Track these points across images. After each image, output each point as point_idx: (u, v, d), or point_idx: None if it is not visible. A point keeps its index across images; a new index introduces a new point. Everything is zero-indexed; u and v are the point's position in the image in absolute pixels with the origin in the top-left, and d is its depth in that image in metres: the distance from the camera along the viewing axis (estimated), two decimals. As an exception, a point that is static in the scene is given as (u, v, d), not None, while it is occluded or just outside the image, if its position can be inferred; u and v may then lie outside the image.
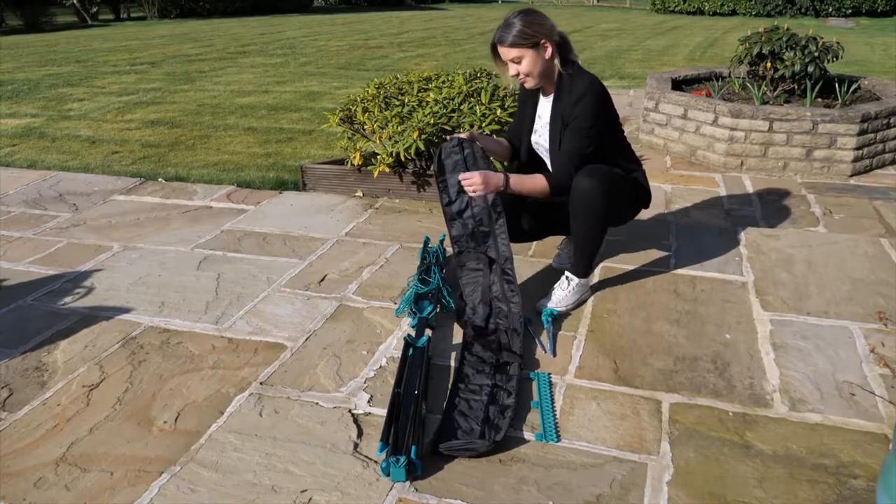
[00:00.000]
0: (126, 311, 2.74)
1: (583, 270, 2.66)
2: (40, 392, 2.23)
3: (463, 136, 2.57)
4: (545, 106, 2.62)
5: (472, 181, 2.44)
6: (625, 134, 2.74)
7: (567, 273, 2.69)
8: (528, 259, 3.13)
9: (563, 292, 2.66)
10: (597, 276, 2.95)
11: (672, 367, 2.29)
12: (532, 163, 2.77)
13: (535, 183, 2.50)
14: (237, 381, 2.26)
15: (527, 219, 2.77)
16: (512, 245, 3.15)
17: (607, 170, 2.52)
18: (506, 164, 2.94)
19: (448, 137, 2.65)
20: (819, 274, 2.95)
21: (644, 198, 2.76)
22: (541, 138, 2.66)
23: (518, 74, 2.48)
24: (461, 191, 2.54)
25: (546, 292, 2.74)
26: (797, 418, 2.04)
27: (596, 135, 2.47)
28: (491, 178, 2.45)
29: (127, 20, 20.73)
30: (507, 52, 2.44)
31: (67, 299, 2.84)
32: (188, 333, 2.56)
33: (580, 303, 2.70)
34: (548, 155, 2.66)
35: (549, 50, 2.43)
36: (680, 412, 2.07)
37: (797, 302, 2.71)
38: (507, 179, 2.46)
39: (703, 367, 2.30)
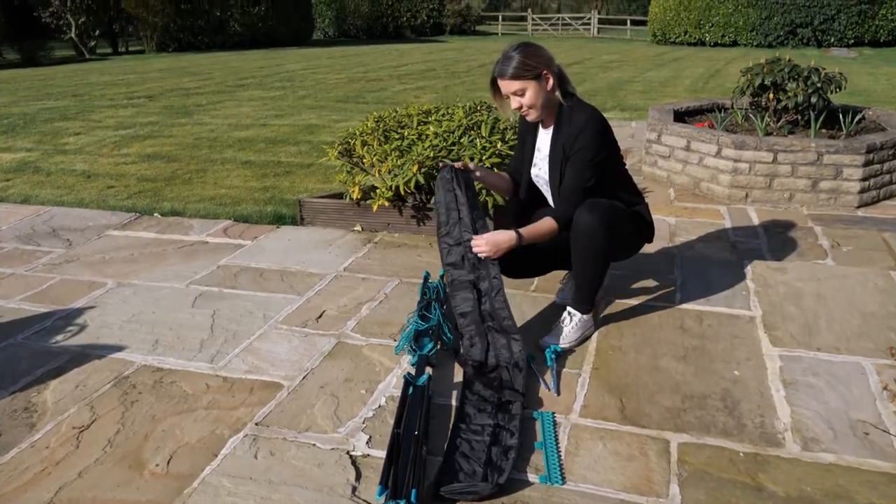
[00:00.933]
0: (119, 349, 2.72)
1: (585, 306, 2.65)
2: (29, 434, 2.21)
3: (457, 165, 2.59)
4: (544, 139, 2.64)
5: (481, 249, 2.47)
6: (626, 166, 2.76)
7: (570, 309, 2.68)
8: (531, 294, 3.12)
9: (566, 329, 2.65)
10: (601, 311, 2.94)
11: (680, 406, 2.27)
12: (532, 196, 2.78)
13: (544, 227, 2.50)
14: (232, 421, 2.24)
15: (529, 254, 2.77)
16: (513, 281, 3.15)
17: (608, 203, 2.53)
18: (507, 197, 2.95)
19: (440, 164, 2.67)
20: (829, 308, 2.94)
21: (647, 232, 2.76)
22: (541, 171, 2.67)
23: (520, 107, 2.50)
24: (452, 220, 2.56)
25: (549, 328, 2.73)
26: (810, 458, 2.01)
27: (598, 167, 2.49)
28: (501, 240, 2.46)
29: (125, 54, 21.03)
30: (508, 86, 2.46)
31: (59, 337, 2.83)
32: (182, 372, 2.54)
33: (584, 339, 2.69)
34: (548, 188, 2.67)
35: (551, 81, 2.47)
36: (689, 452, 2.04)
37: (807, 337, 2.70)
38: (518, 236, 2.47)
39: (712, 405, 2.27)
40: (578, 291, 2.65)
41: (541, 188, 2.76)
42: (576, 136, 2.47)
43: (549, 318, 2.86)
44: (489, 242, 2.46)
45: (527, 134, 2.74)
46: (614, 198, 2.61)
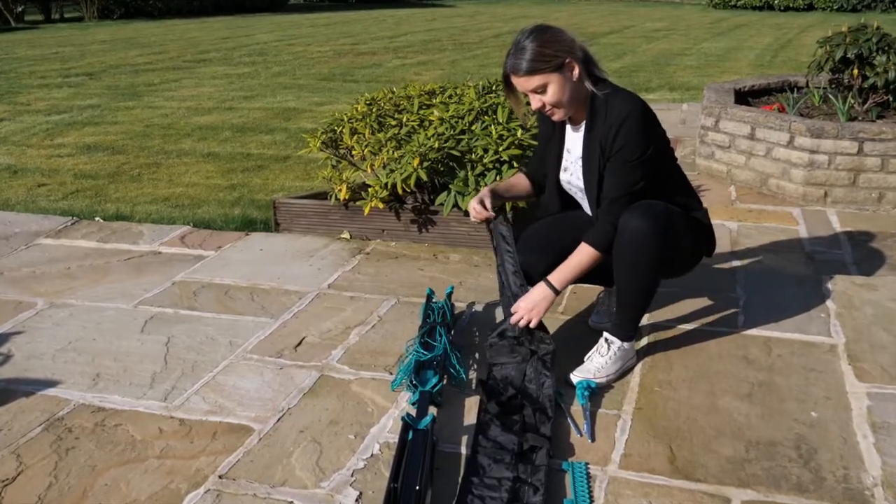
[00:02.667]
0: (51, 384, 2.73)
1: (627, 332, 2.66)
2: (-59, 489, 2.22)
3: (482, 212, 2.70)
4: (574, 138, 2.65)
5: (519, 315, 2.55)
6: (678, 162, 2.76)
7: (606, 335, 2.68)
8: (558, 316, 3.13)
9: (602, 359, 2.65)
10: (644, 337, 2.94)
11: (744, 455, 2.27)
12: (564, 204, 2.79)
13: (581, 261, 2.54)
14: (190, 473, 2.24)
15: (557, 259, 2.77)
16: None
17: (664, 207, 2.53)
18: (533, 200, 2.97)
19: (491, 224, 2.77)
20: (928, 334, 2.93)
21: (707, 244, 2.77)
22: (572, 177, 2.68)
23: (543, 107, 2.49)
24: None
25: (580, 359, 2.74)
26: (906, 521, 2.01)
27: (645, 167, 2.49)
28: (536, 299, 2.54)
29: (59, 22, 21.20)
30: (526, 83, 2.45)
31: (-22, 370, 2.84)
32: (129, 413, 2.55)
33: (624, 372, 2.69)
34: (583, 195, 2.67)
35: (577, 69, 2.45)
36: (755, 513, 2.04)
37: (901, 370, 2.70)
38: (551, 286, 2.53)
39: (784, 454, 2.27)
40: (620, 314, 2.65)
41: (574, 196, 2.77)
42: (616, 131, 2.46)
43: (580, 346, 2.86)
44: (526, 308, 2.54)
45: (551, 135, 2.74)
46: (667, 202, 2.62)
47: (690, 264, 2.79)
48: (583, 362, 2.69)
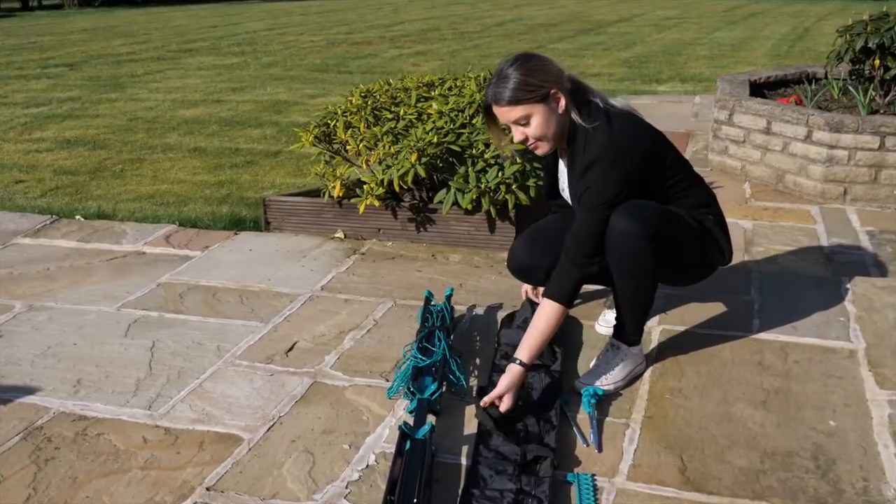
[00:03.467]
0: (30, 391, 2.74)
1: (631, 336, 2.66)
2: (-86, 501, 2.23)
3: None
4: (562, 169, 2.68)
5: (489, 398, 2.43)
6: (689, 170, 2.69)
7: (613, 340, 2.69)
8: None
9: (608, 366, 2.66)
10: (654, 341, 2.95)
11: (759, 466, 2.27)
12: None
13: (547, 321, 2.45)
14: (176, 485, 2.25)
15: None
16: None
17: (656, 208, 2.52)
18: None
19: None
20: (953, 339, 2.94)
21: (717, 252, 2.73)
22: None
23: (526, 139, 2.48)
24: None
25: (585, 366, 2.74)
26: (929, 535, 2.02)
27: (610, 209, 2.45)
28: (505, 384, 2.41)
29: (38, 9, 21.22)
30: (507, 113, 2.43)
31: (-47, 376, 2.85)
32: (111, 422, 2.56)
33: (633, 379, 2.69)
34: None
35: (563, 101, 2.44)
36: (770, 527, 2.05)
37: (924, 377, 2.70)
38: (518, 361, 2.43)
39: (801, 464, 2.28)
40: (620, 318, 2.65)
41: None
42: (582, 171, 2.45)
43: (585, 352, 2.87)
44: (497, 394, 2.41)
45: (550, 161, 2.77)
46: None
47: (695, 273, 2.78)
48: (589, 370, 2.69)
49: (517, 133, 2.47)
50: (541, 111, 2.42)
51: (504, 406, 2.41)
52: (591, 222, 2.46)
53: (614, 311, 2.95)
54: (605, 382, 2.63)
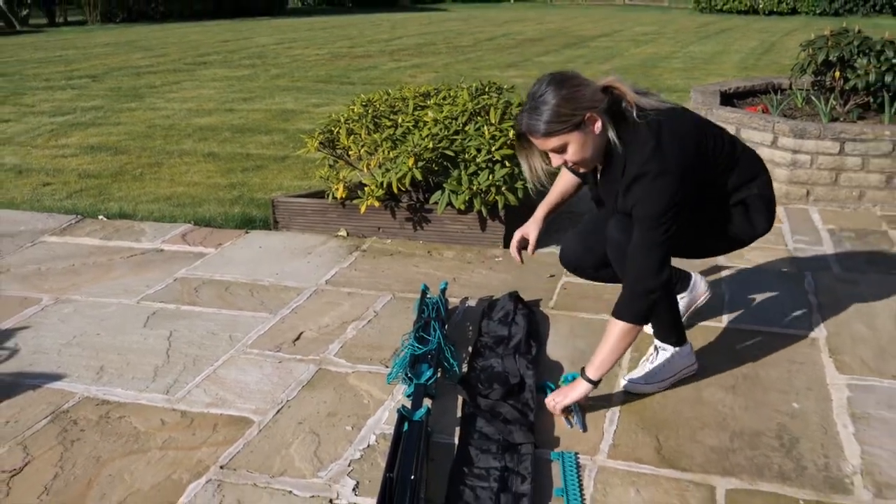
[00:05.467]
0: (57, 378, 2.74)
1: (671, 338, 2.56)
2: (-50, 479, 2.22)
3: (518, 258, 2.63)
4: (598, 177, 2.50)
5: (552, 402, 2.40)
6: (731, 149, 2.47)
7: (656, 342, 2.58)
8: (549, 310, 3.14)
9: (651, 366, 2.56)
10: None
11: (728, 445, 2.28)
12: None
13: (614, 339, 2.30)
14: (192, 464, 2.25)
15: (594, 245, 2.61)
16: (528, 296, 3.17)
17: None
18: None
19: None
20: (906, 328, 2.95)
21: (746, 229, 2.55)
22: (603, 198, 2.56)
23: (565, 164, 2.32)
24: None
25: (570, 359, 2.74)
26: (884, 508, 2.02)
27: (673, 218, 2.24)
28: (570, 391, 2.37)
29: (63, 25, 21.13)
30: (543, 143, 2.26)
31: (-15, 364, 2.84)
32: (132, 406, 2.56)
33: (680, 379, 2.59)
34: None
35: (598, 123, 2.23)
36: (739, 500, 2.05)
37: (880, 363, 2.71)
38: (586, 377, 2.34)
39: (767, 443, 2.28)
40: (655, 321, 2.56)
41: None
42: (628, 186, 2.26)
43: (572, 344, 2.87)
44: (559, 398, 2.38)
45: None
46: (723, 198, 2.46)
47: (721, 247, 2.65)
48: (637, 368, 2.63)
49: (554, 159, 2.30)
50: (576, 139, 2.22)
51: (557, 410, 2.39)
52: (649, 242, 2.26)
53: None
54: (650, 381, 2.55)
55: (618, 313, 2.30)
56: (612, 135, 2.25)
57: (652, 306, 2.30)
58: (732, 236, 2.57)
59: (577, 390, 2.35)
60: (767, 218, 2.54)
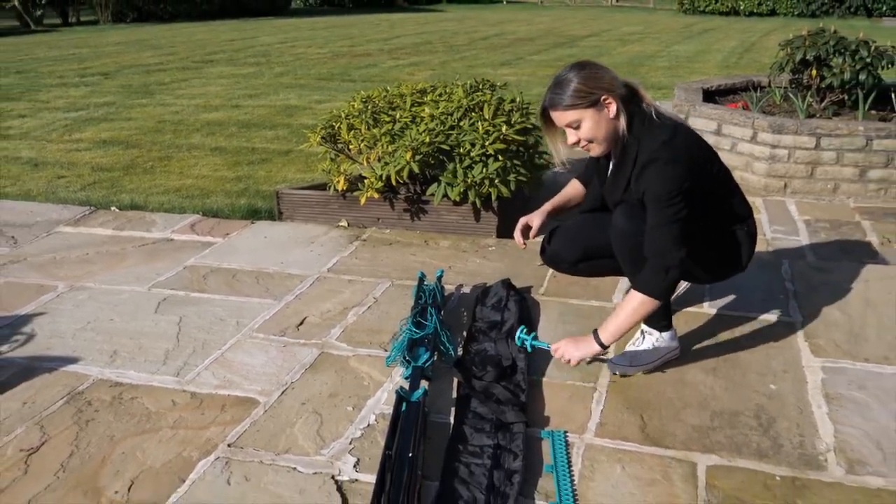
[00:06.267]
0: (72, 361, 2.74)
1: (658, 322, 2.55)
2: (-29, 457, 2.23)
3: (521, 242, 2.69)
4: (609, 167, 2.54)
5: (562, 352, 2.44)
6: (733, 182, 2.58)
7: (643, 326, 2.58)
8: (540, 297, 3.14)
9: (637, 349, 2.58)
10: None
11: (708, 424, 2.29)
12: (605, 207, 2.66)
13: (632, 309, 2.34)
14: (201, 442, 2.26)
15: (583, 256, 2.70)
16: (519, 283, 3.18)
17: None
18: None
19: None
20: (878, 313, 2.96)
21: (731, 264, 2.63)
22: (608, 196, 2.60)
23: (579, 142, 2.38)
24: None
25: (559, 338, 2.74)
26: (856, 483, 2.04)
27: (683, 200, 2.29)
28: (583, 350, 2.42)
29: (76, 25, 21.02)
30: (561, 117, 2.34)
31: (3, 348, 2.84)
32: (144, 387, 2.56)
33: (663, 363, 2.59)
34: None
35: (613, 107, 2.32)
36: (718, 476, 2.07)
37: (853, 346, 2.72)
38: (598, 339, 2.38)
39: (745, 422, 2.30)
40: None
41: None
42: (640, 172, 2.32)
43: (562, 328, 2.88)
44: (569, 350, 2.43)
45: (603, 165, 2.61)
46: (711, 226, 2.49)
47: (710, 275, 2.68)
48: (622, 352, 2.63)
49: (570, 135, 2.37)
50: (591, 115, 2.31)
51: (572, 362, 2.45)
52: (665, 219, 2.29)
53: None
54: (634, 363, 2.56)
55: (640, 286, 2.34)
56: (623, 121, 2.34)
57: (672, 284, 2.37)
58: (723, 260, 2.61)
59: (587, 347, 2.42)
60: (748, 255, 2.62)
